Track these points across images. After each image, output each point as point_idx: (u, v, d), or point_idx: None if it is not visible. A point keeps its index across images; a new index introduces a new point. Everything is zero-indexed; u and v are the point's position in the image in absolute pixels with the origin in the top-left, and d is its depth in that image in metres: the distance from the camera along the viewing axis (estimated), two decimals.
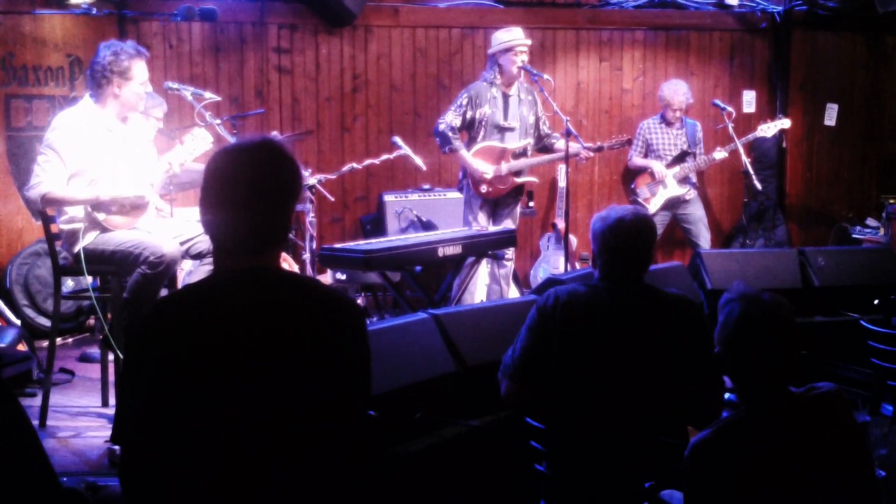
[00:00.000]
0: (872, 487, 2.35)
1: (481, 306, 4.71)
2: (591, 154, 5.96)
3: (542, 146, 6.12)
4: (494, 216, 6.03)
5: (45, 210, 4.38)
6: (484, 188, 5.90)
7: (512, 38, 5.85)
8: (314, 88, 7.33)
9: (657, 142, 7.09)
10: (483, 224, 5.90)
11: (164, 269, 4.26)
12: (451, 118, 5.87)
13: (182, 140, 4.52)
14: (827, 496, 2.24)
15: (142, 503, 1.91)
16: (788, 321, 2.32)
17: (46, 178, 4.27)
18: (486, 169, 5.87)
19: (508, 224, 5.99)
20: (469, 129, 5.94)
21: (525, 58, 5.88)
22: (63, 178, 4.30)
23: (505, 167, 5.92)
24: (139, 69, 4.42)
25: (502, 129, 5.92)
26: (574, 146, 5.79)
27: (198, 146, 4.50)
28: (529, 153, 6.04)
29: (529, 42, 5.94)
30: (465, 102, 5.87)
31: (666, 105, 7.06)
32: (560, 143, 6.02)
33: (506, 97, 5.93)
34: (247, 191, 1.97)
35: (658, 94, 7.21)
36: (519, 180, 6.01)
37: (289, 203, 2.05)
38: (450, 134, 5.84)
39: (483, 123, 5.89)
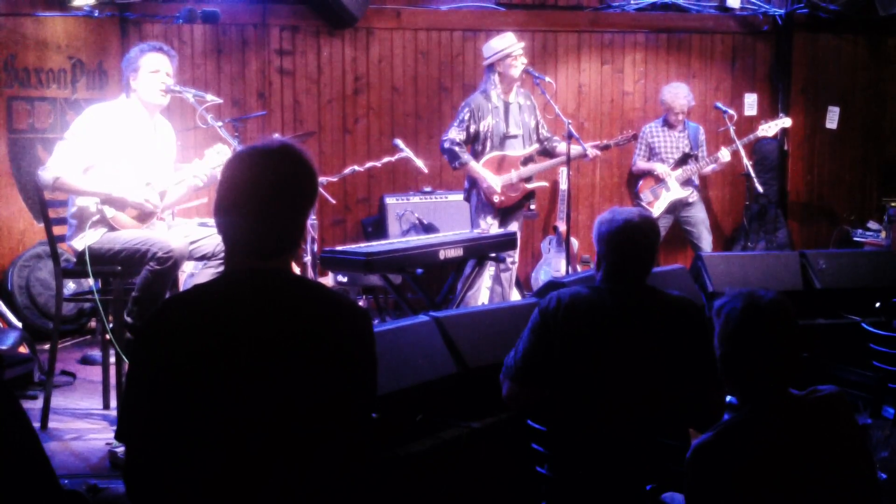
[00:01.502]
0: (874, 490, 2.34)
1: (482, 308, 4.71)
2: (598, 153, 5.96)
3: (544, 150, 6.11)
4: (503, 223, 5.99)
5: (54, 194, 4.43)
6: (497, 198, 5.88)
7: (508, 44, 5.84)
8: (316, 90, 7.33)
9: (659, 145, 7.09)
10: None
11: (172, 265, 4.27)
12: (454, 134, 5.85)
13: (203, 154, 4.60)
14: (828, 499, 2.24)
15: (145, 500, 1.92)
16: (789, 319, 2.31)
17: (62, 163, 4.31)
18: (498, 180, 5.86)
19: (514, 229, 5.97)
20: (474, 142, 5.92)
21: (525, 60, 5.89)
22: (79, 165, 4.33)
23: (515, 174, 5.91)
24: (147, 59, 4.48)
25: (507, 138, 5.91)
26: (579, 148, 5.79)
27: (217, 161, 4.57)
28: (535, 158, 6.04)
29: (524, 44, 5.95)
30: (466, 117, 5.85)
31: (668, 108, 7.06)
32: (562, 147, 6.00)
33: (506, 105, 5.92)
34: (264, 195, 1.98)
35: (659, 97, 7.21)
36: (530, 186, 6.01)
37: (305, 209, 2.05)
38: (456, 149, 5.82)
39: (488, 135, 5.87)
